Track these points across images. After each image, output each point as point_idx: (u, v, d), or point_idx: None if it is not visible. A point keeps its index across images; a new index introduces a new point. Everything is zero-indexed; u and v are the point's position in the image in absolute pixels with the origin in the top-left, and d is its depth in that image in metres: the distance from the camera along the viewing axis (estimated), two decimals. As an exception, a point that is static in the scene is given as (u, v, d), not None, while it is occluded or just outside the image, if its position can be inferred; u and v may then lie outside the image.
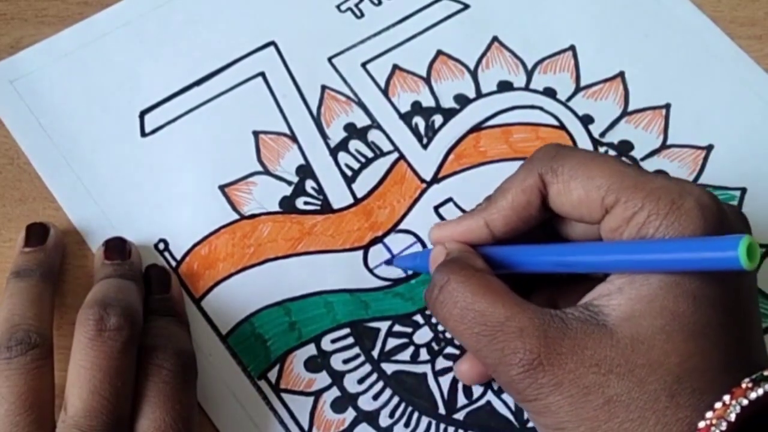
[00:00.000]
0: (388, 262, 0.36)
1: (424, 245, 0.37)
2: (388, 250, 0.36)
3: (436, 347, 0.35)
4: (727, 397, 0.24)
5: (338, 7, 0.41)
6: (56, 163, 0.37)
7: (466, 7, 0.41)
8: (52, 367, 0.32)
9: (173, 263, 0.36)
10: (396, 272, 0.36)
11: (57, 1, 0.41)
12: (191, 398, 0.32)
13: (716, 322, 0.26)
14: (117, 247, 0.35)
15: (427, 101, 0.39)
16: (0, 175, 0.38)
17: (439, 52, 0.40)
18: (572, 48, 0.40)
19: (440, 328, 0.35)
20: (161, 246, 0.36)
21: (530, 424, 0.34)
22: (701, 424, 0.25)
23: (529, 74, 0.40)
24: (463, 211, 0.37)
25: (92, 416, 0.29)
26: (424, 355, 0.35)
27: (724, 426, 0.24)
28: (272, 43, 0.40)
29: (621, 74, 0.40)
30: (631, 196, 0.27)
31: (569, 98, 0.39)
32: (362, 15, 0.41)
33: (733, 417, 0.24)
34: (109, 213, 0.36)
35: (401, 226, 0.37)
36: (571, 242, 0.32)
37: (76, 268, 0.36)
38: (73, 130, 0.38)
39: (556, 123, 0.39)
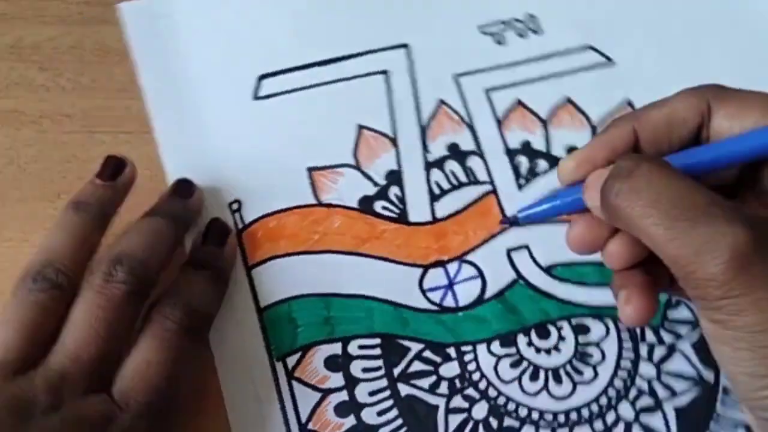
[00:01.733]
0: (509, 221, 0.46)
1: (484, 281, 0.52)
2: (447, 275, 0.52)
3: (458, 384, 0.49)
4: None
5: (481, 28, 0.57)
6: (168, 103, 0.55)
7: (610, 62, 0.56)
8: (66, 309, 0.44)
9: (240, 225, 0.52)
10: (447, 300, 0.51)
11: (57, 1, 0.58)
12: (186, 357, 0.45)
13: None
14: (184, 187, 0.51)
15: (538, 144, 0.54)
16: (0, 175, 0.53)
17: (568, 100, 0.55)
18: None
19: (469, 368, 0.50)
20: (235, 206, 0.53)
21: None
22: None
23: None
24: (535, 261, 0.52)
25: (81, 347, 0.43)
26: (443, 388, 0.49)
27: None
28: (405, 46, 0.57)
29: None
30: None
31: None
32: (503, 42, 0.57)
33: None
34: (199, 160, 0.54)
35: (468, 257, 0.52)
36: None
37: None
38: (193, 76, 0.56)
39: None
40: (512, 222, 0.45)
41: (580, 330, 0.50)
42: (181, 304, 0.46)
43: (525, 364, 0.50)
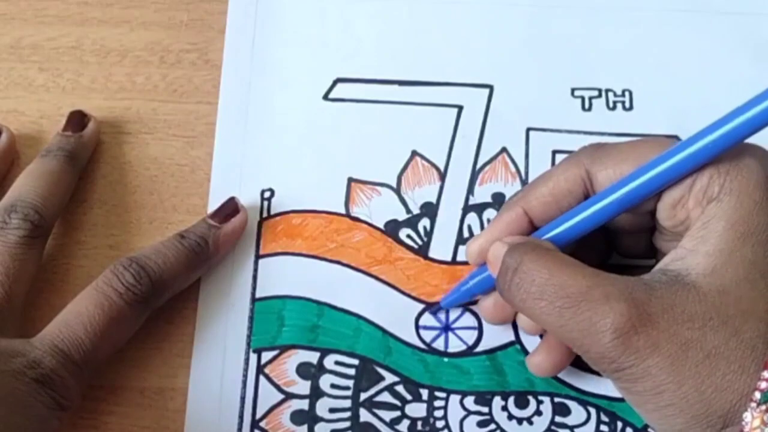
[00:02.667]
0: (434, 311, 0.59)
1: (480, 334, 0.59)
2: (446, 318, 0.61)
3: (419, 427, 0.56)
4: None
5: (573, 90, 0.66)
6: (241, 83, 0.65)
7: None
8: (40, 250, 0.56)
9: (265, 214, 0.62)
10: (437, 342, 0.58)
11: (57, 1, 0.67)
12: (128, 316, 0.53)
13: None
14: (75, 119, 0.61)
15: (585, 216, 0.63)
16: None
17: (631, 181, 0.64)
18: None
19: (436, 414, 0.58)
20: (267, 194, 0.62)
21: None
22: None
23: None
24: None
25: None
26: (403, 426, 0.56)
27: None
28: (489, 87, 0.67)
29: None
30: None
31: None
32: (589, 109, 0.66)
33: None
34: (248, 141, 0.63)
35: (473, 307, 0.59)
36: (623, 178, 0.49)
37: (76, 268, 0.60)
38: (273, 62, 0.66)
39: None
40: (437, 310, 0.59)
41: (561, 410, 0.57)
42: (136, 267, 0.54)
43: (493, 426, 0.57)
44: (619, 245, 0.55)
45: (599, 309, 0.44)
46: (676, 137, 0.63)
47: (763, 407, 0.41)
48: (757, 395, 0.41)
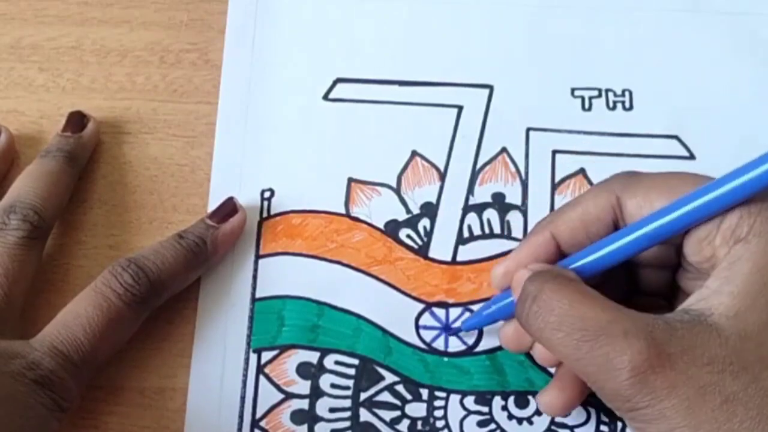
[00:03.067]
0: (453, 332, 0.59)
1: (480, 334, 0.59)
2: (446, 318, 0.61)
3: (419, 426, 0.56)
4: None
5: (573, 90, 0.65)
6: (241, 83, 0.65)
7: (691, 157, 0.63)
8: (39, 251, 0.56)
9: (265, 214, 0.61)
10: (437, 342, 0.58)
11: (57, 1, 0.67)
12: (126, 318, 0.53)
13: None
14: (75, 120, 0.61)
15: (585, 216, 0.63)
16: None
17: (632, 182, 0.64)
18: None
19: (436, 414, 0.57)
20: (267, 194, 0.62)
21: None
22: None
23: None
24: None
25: None
26: (403, 426, 0.56)
27: None
28: (489, 87, 0.66)
29: None
30: None
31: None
32: (589, 109, 0.65)
33: None
34: (248, 141, 0.63)
35: (474, 307, 0.59)
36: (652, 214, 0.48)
37: (76, 268, 0.60)
38: (273, 62, 0.66)
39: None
40: (457, 332, 0.59)
41: (560, 410, 0.57)
42: (135, 267, 0.54)
43: (493, 426, 0.56)
44: (641, 281, 0.54)
45: (618, 345, 0.43)
46: (676, 137, 0.63)
47: None
48: None
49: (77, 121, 0.62)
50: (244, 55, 0.67)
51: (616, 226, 0.50)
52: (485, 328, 0.58)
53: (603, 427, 0.56)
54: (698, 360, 0.42)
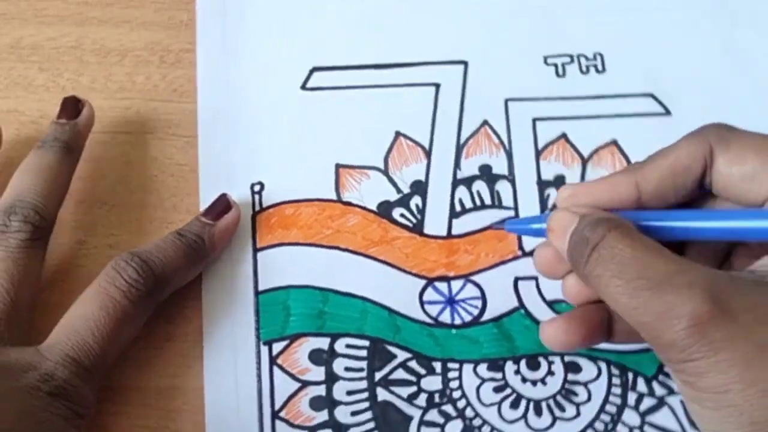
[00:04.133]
0: (496, 226, 0.59)
1: (484, 303, 0.60)
2: (449, 291, 0.61)
3: (437, 399, 0.56)
4: None
5: (545, 58, 0.65)
6: (218, 78, 0.65)
7: (667, 113, 0.64)
8: (43, 251, 0.54)
9: (257, 207, 0.61)
10: (444, 315, 0.59)
11: (57, 1, 0.66)
12: (133, 315, 0.52)
13: None
14: (69, 105, 0.59)
15: (572, 179, 0.61)
16: (0, 175, 0.59)
17: (613, 141, 0.62)
18: None
19: (451, 385, 0.57)
20: (257, 188, 0.62)
21: None
22: None
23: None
24: (540, 294, 0.60)
25: None
26: (421, 400, 0.56)
27: None
28: (464, 63, 0.66)
29: None
30: None
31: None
32: (563, 75, 0.66)
33: None
34: (231, 137, 0.62)
35: (474, 278, 0.59)
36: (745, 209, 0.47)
37: (76, 268, 0.59)
38: (246, 56, 0.65)
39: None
40: (496, 227, 0.59)
41: (572, 368, 0.57)
42: (138, 261, 0.53)
43: (508, 390, 0.57)
44: (691, 248, 0.52)
45: (681, 294, 0.42)
46: (651, 95, 0.64)
47: None
48: None
49: (72, 106, 0.60)
50: (216, 52, 0.66)
51: (703, 181, 0.49)
52: (488, 299, 0.59)
53: (615, 380, 0.57)
54: (761, 318, 0.41)
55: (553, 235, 0.49)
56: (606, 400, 0.56)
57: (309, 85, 0.65)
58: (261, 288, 0.59)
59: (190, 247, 0.56)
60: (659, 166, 0.49)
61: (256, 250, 0.61)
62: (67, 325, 0.51)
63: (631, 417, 0.56)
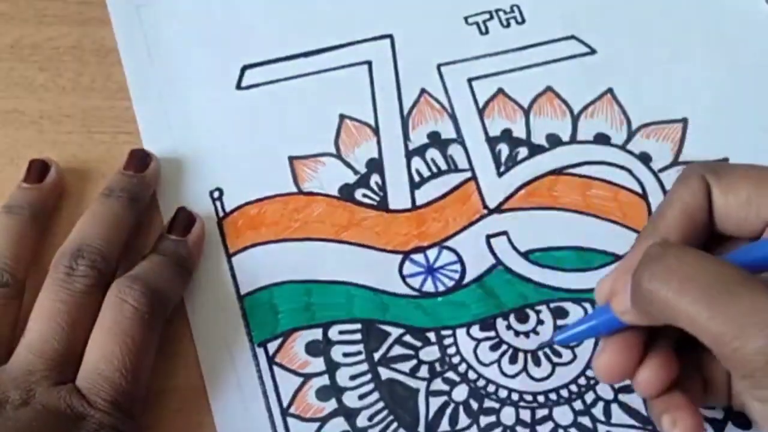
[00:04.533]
0: (547, 344, 0.58)
1: (463, 266, 0.61)
2: (426, 261, 0.62)
3: (438, 368, 0.58)
4: None
5: (466, 18, 0.67)
6: (150, 92, 0.64)
7: (593, 52, 0.66)
8: (18, 308, 0.54)
9: (221, 213, 0.61)
10: (427, 285, 0.60)
11: (57, 1, 0.67)
12: (148, 339, 0.52)
13: None
14: (138, 158, 0.60)
15: (519, 132, 0.63)
16: (0, 175, 0.61)
17: (549, 88, 0.64)
18: (684, 121, 0.63)
19: (449, 351, 0.59)
20: (216, 194, 0.62)
21: (502, 470, 0.57)
22: None
23: (631, 134, 0.63)
24: (514, 247, 0.62)
25: (45, 340, 0.51)
26: (424, 372, 0.58)
27: None
28: (389, 37, 0.66)
29: (725, 160, 0.64)
30: None
31: (663, 169, 0.62)
32: (486, 32, 0.67)
33: None
34: (180, 149, 0.62)
35: (448, 243, 0.61)
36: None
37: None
38: (176, 66, 0.65)
39: (639, 190, 0.61)
40: (549, 344, 0.57)
41: (559, 313, 0.59)
42: (140, 283, 0.53)
43: (504, 347, 0.58)
44: None
45: (762, 297, 0.39)
46: (573, 37, 0.67)
47: None
48: None
49: (140, 159, 0.60)
50: (144, 65, 0.67)
51: (711, 215, 0.48)
52: (466, 262, 0.61)
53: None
54: None
55: (617, 298, 0.48)
56: (598, 339, 0.58)
57: (244, 84, 0.66)
58: (243, 292, 0.60)
59: (177, 263, 0.57)
60: (673, 217, 0.48)
61: (229, 256, 0.61)
62: (93, 370, 0.52)
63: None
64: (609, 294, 0.48)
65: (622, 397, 0.57)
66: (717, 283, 0.40)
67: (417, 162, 0.63)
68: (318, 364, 0.58)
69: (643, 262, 0.44)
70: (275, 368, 0.58)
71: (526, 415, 0.56)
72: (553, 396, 0.57)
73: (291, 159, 0.63)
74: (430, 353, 0.58)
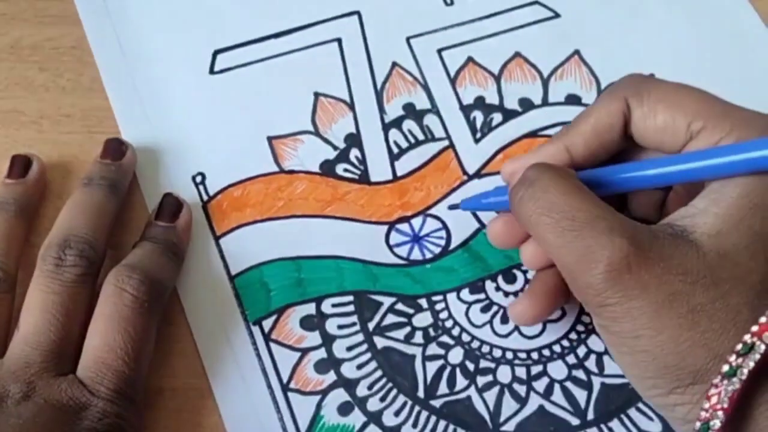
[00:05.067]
0: (453, 207, 0.60)
1: (448, 232, 0.62)
2: (411, 230, 0.63)
3: (432, 333, 0.58)
4: None
5: None
6: (124, 82, 0.64)
7: (557, 16, 0.66)
8: (11, 302, 0.54)
9: (205, 197, 0.61)
10: (414, 254, 0.61)
11: (57, 1, 0.67)
12: (148, 327, 0.52)
13: None
14: (113, 147, 0.60)
15: (492, 98, 0.64)
16: (0, 175, 0.59)
17: (517, 54, 0.65)
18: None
19: (441, 316, 0.60)
20: (198, 179, 0.62)
21: (504, 428, 0.58)
22: (762, 320, 0.41)
23: (601, 93, 0.64)
24: (497, 211, 0.63)
25: (41, 332, 0.50)
26: (418, 338, 0.58)
27: None
28: (356, 13, 0.67)
29: None
30: (719, 123, 0.45)
31: (635, 125, 0.64)
32: (452, 3, 0.67)
33: None
34: (159, 137, 0.63)
35: (431, 212, 0.61)
36: (665, 156, 0.48)
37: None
38: (148, 54, 0.65)
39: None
40: (454, 207, 0.60)
41: (545, 272, 0.60)
42: (138, 272, 0.53)
43: (495, 308, 0.59)
44: (632, 200, 0.55)
45: (600, 239, 0.44)
46: (536, 2, 0.68)
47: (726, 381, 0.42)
48: (725, 367, 0.42)
49: (116, 148, 0.60)
50: (116, 57, 0.67)
51: (626, 132, 0.51)
52: (450, 228, 0.61)
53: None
54: (674, 269, 0.43)
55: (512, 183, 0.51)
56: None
57: (216, 68, 0.66)
58: (234, 272, 0.60)
59: (169, 249, 0.57)
60: (583, 130, 0.51)
61: (217, 238, 0.61)
62: (95, 359, 0.51)
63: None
64: (508, 178, 0.54)
65: (612, 348, 0.57)
66: (569, 218, 0.45)
67: (394, 134, 0.64)
68: (314, 337, 0.58)
69: (519, 182, 0.48)
70: (272, 345, 0.58)
71: (521, 372, 0.57)
72: (546, 352, 0.58)
73: (270, 139, 0.64)
74: (423, 319, 0.59)
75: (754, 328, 0.41)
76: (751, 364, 0.41)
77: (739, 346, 0.41)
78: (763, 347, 0.41)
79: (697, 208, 0.45)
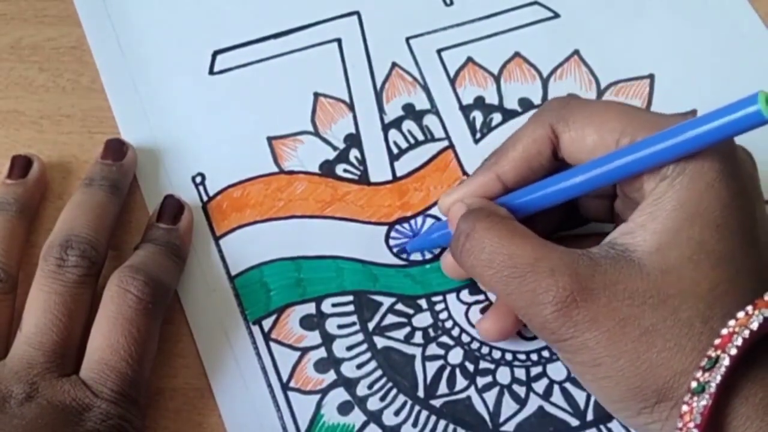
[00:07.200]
0: (401, 251, 0.59)
1: (449, 234, 0.61)
2: (411, 231, 0.61)
3: (432, 333, 0.57)
4: (750, 308, 0.40)
5: None
6: (124, 83, 0.62)
7: (556, 16, 0.65)
8: (12, 302, 0.52)
9: (205, 198, 0.59)
10: (414, 254, 0.59)
11: (57, 1, 0.65)
12: (151, 328, 0.51)
13: (739, 249, 0.42)
14: (114, 147, 0.59)
15: (491, 98, 0.63)
16: (1, 175, 0.57)
17: (516, 54, 0.64)
18: (651, 77, 0.63)
19: (441, 316, 0.58)
20: (198, 179, 0.60)
21: (503, 428, 0.56)
22: (724, 331, 0.40)
23: (600, 93, 0.62)
24: (496, 211, 0.61)
25: (43, 333, 0.49)
26: (418, 338, 0.56)
27: (746, 333, 0.39)
28: (356, 13, 0.65)
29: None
30: (646, 132, 0.44)
31: (633, 125, 0.63)
32: (452, 3, 0.66)
33: (755, 326, 0.39)
34: (159, 138, 0.61)
35: (431, 211, 0.59)
36: (588, 162, 0.47)
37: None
38: (148, 54, 0.63)
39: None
40: (402, 251, 0.59)
41: (545, 272, 0.59)
42: (142, 273, 0.52)
43: (494, 307, 0.58)
44: (582, 206, 0.54)
45: (543, 282, 0.44)
46: (535, 3, 0.66)
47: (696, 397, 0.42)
48: (693, 384, 0.41)
49: (117, 148, 0.59)
50: (116, 57, 0.65)
51: (556, 155, 0.50)
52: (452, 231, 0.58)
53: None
54: (620, 294, 0.43)
55: (452, 227, 0.51)
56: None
57: (216, 69, 0.64)
58: (234, 273, 0.58)
59: (171, 251, 0.56)
60: (512, 157, 0.51)
61: (217, 239, 0.59)
62: (98, 360, 0.50)
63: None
64: (446, 213, 0.53)
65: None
66: (510, 266, 0.45)
67: (394, 134, 0.62)
68: (314, 337, 0.57)
69: (455, 235, 0.49)
70: (272, 344, 0.57)
71: (521, 373, 0.56)
72: (545, 353, 0.56)
73: (270, 139, 0.62)
74: (423, 319, 0.57)
75: (717, 341, 0.41)
76: (718, 378, 0.40)
77: (704, 362, 0.41)
78: (727, 359, 0.40)
79: (636, 223, 0.44)
